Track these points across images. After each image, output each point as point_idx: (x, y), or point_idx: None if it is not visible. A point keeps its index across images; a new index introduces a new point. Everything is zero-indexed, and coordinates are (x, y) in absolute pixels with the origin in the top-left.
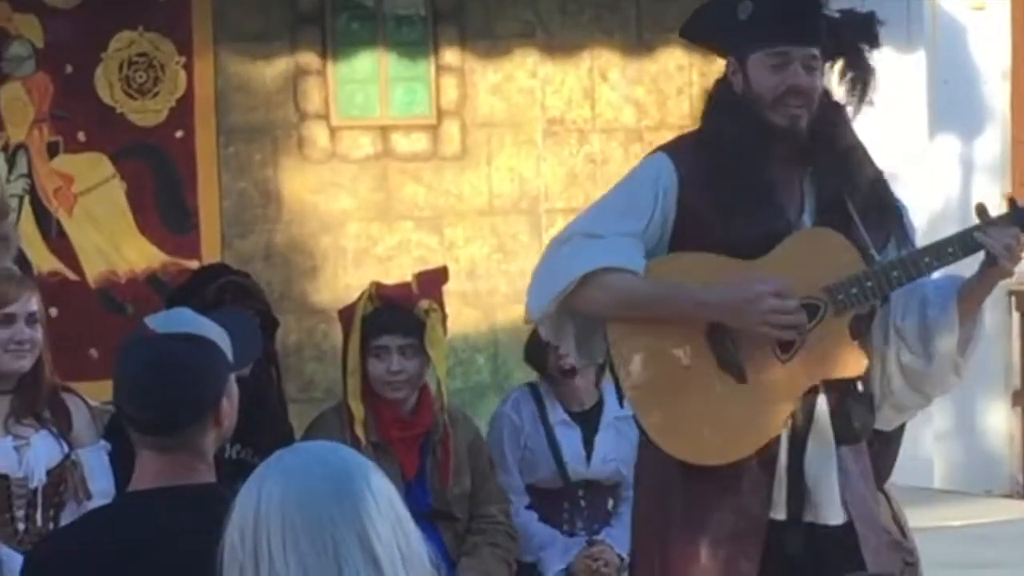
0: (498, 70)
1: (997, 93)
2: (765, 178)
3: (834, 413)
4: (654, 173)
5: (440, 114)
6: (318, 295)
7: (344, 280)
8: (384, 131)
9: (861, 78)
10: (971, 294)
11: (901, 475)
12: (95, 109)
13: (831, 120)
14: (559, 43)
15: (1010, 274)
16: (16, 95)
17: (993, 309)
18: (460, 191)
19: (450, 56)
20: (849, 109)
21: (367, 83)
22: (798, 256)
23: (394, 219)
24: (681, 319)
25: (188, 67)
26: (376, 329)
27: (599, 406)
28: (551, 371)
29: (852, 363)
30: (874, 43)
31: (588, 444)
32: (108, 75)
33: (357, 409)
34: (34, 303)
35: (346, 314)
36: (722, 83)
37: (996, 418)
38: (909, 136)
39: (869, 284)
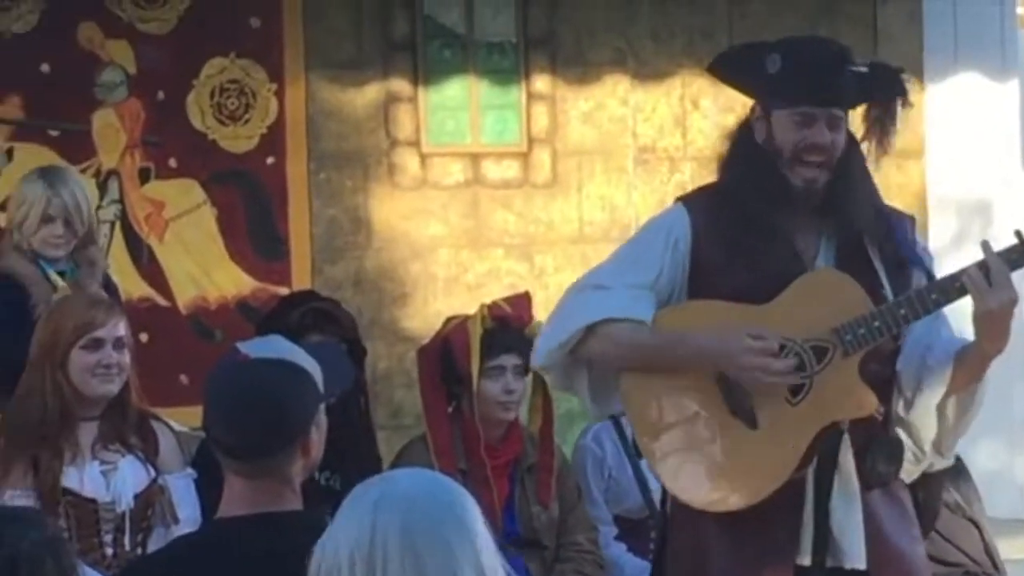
0: (589, 98)
1: None
2: (780, 226)
3: (858, 456)
4: (668, 224)
5: (531, 142)
6: (408, 322)
7: (434, 307)
8: (475, 158)
9: (884, 126)
10: (971, 355)
11: (996, 507)
12: (187, 135)
13: (849, 170)
14: (650, 70)
15: (993, 347)
16: (108, 121)
17: None
18: (550, 219)
19: (541, 83)
20: (864, 147)
21: (458, 110)
22: (805, 298)
23: (484, 246)
24: (685, 368)
25: (280, 94)
26: (495, 348)
27: None
28: None
29: (861, 403)
30: (905, 98)
31: None
32: (200, 101)
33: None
34: (121, 328)
35: (429, 353)
36: (744, 128)
37: None
38: (1002, 163)
39: (876, 324)
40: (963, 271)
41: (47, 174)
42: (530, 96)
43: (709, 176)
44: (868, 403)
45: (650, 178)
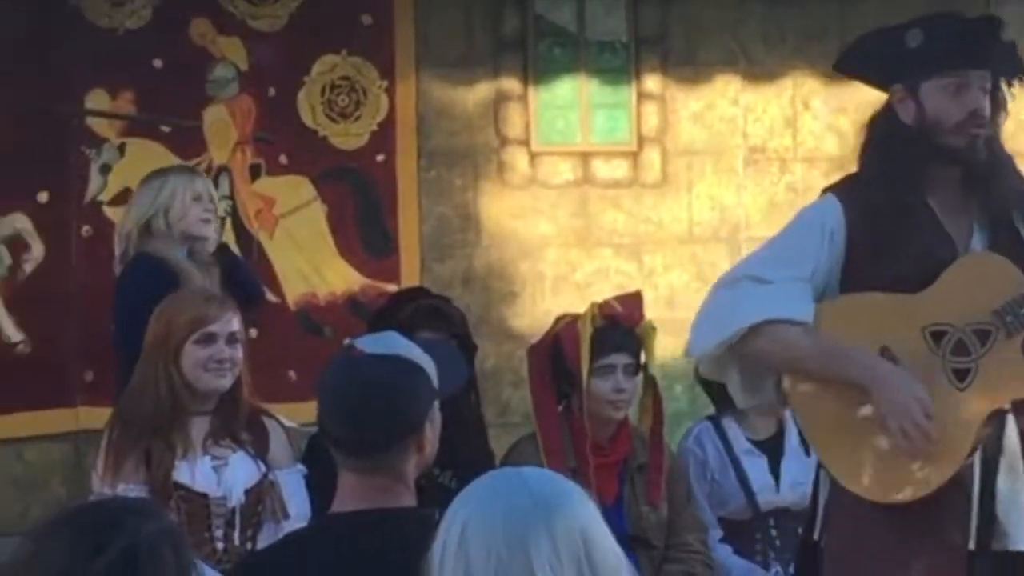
0: (700, 97)
1: None
2: (932, 211)
3: (1023, 436)
4: (821, 215)
5: (641, 141)
6: (516, 320)
7: (542, 306)
8: (584, 157)
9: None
10: None
11: None
12: (297, 132)
13: (995, 147)
14: (761, 71)
15: None
16: (220, 117)
17: None
18: (660, 218)
19: (652, 83)
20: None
21: (568, 109)
22: (961, 282)
23: (593, 245)
24: (844, 382)
25: (390, 91)
26: (605, 347)
27: (780, 434)
28: None
29: None
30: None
31: (775, 472)
32: (311, 98)
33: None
34: (235, 323)
35: (539, 351)
36: (883, 117)
37: None
38: None
39: None
40: None
41: (177, 167)
42: (640, 95)
43: (819, 177)
44: None
45: (760, 178)
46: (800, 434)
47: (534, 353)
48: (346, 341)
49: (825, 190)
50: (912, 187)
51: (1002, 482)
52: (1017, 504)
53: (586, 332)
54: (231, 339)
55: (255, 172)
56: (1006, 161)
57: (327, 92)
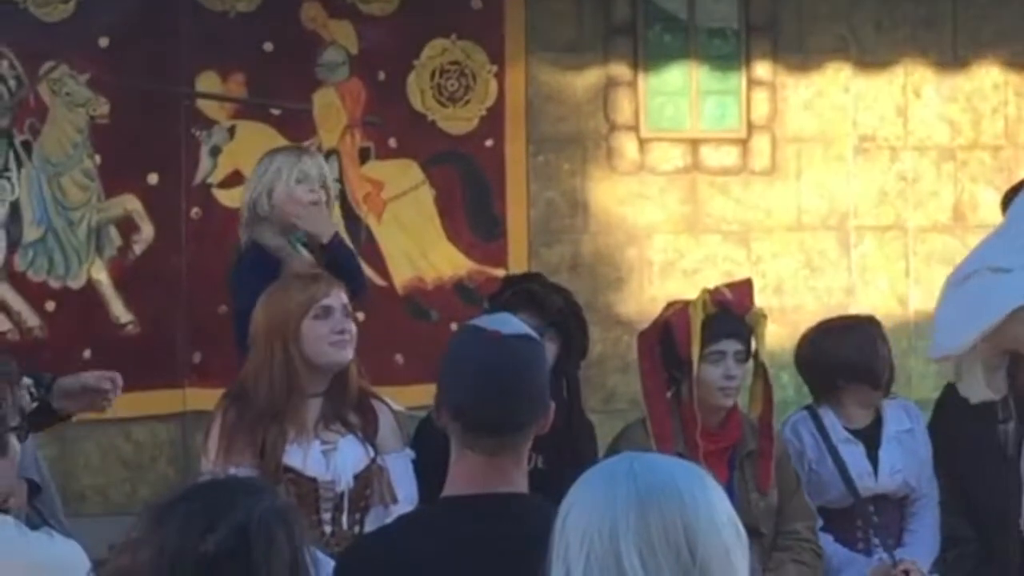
0: (810, 85)
1: None
2: None
3: None
4: None
5: (750, 128)
6: (623, 306)
7: (649, 293)
8: (693, 144)
9: None
10: None
11: None
12: (406, 116)
13: None
14: (872, 59)
15: None
16: (329, 101)
17: None
18: (769, 206)
19: (761, 70)
20: None
21: (677, 95)
22: None
23: (701, 232)
24: None
25: (500, 76)
26: (716, 334)
27: (878, 423)
28: None
29: None
30: None
31: (872, 459)
32: (420, 82)
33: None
34: (344, 297)
35: (649, 337)
36: None
37: None
38: None
39: None
40: None
41: (286, 147)
42: (750, 82)
43: (929, 166)
44: None
45: (870, 167)
46: (897, 423)
47: (644, 339)
48: (463, 323)
49: None
50: None
51: None
52: None
53: (697, 318)
54: (346, 310)
55: (364, 155)
56: None
57: (436, 76)
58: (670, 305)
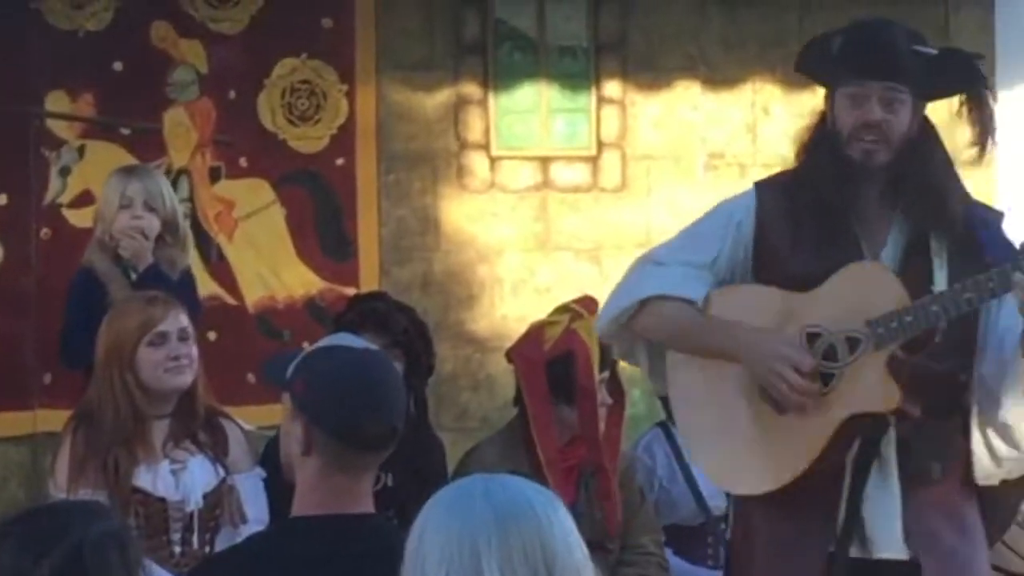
0: (659, 103)
1: None
2: (845, 215)
3: (900, 449)
4: (733, 205)
5: (600, 146)
6: (474, 324)
7: (501, 311)
8: (544, 162)
9: (979, 119)
10: None
11: None
12: (257, 135)
13: (920, 157)
14: (721, 77)
15: None
16: (179, 120)
17: None
18: (619, 223)
19: (611, 88)
20: (976, 150)
21: (528, 114)
22: (845, 289)
23: (552, 250)
24: (719, 355)
25: (350, 95)
26: (603, 362)
27: None
28: None
29: (883, 398)
30: (980, 83)
31: None
32: (271, 101)
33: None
34: (183, 319)
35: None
36: (820, 114)
37: None
38: None
39: (908, 319)
40: (998, 271)
41: (126, 167)
42: (600, 100)
43: None
44: (891, 399)
45: (720, 184)
46: None
47: (526, 360)
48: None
49: (755, 182)
50: (829, 191)
51: (872, 489)
52: (886, 512)
53: (594, 347)
54: (183, 335)
55: (215, 175)
56: (941, 182)
57: (287, 95)
58: (541, 327)
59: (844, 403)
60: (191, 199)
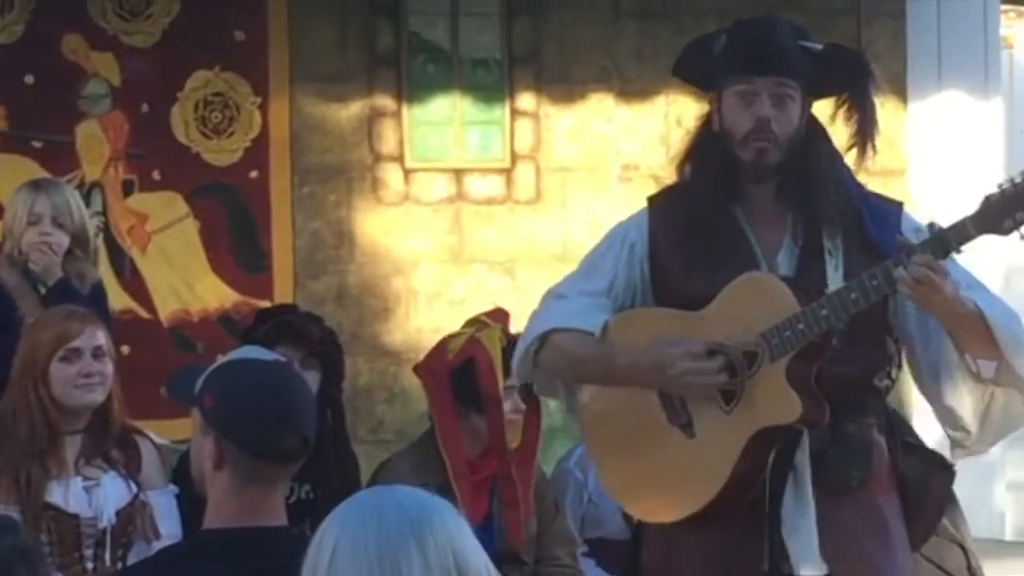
0: (573, 115)
1: None
2: (735, 223)
3: (815, 459)
4: (626, 228)
5: (515, 158)
6: (389, 337)
7: (416, 323)
8: (458, 174)
9: (860, 120)
10: (945, 322)
11: (973, 527)
12: (170, 148)
13: (809, 155)
14: (634, 88)
15: (924, 302)
16: (92, 133)
17: None
18: (534, 235)
19: (525, 100)
20: (856, 150)
21: (442, 126)
22: (738, 303)
23: (467, 262)
24: (622, 383)
25: (264, 107)
26: (508, 369)
27: None
28: None
29: (785, 409)
30: (868, 80)
31: None
32: (184, 114)
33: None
34: (100, 337)
35: (434, 367)
36: (700, 125)
37: None
38: (984, 185)
39: (800, 327)
40: (881, 268)
41: (34, 181)
42: (514, 112)
43: None
44: (793, 410)
45: (634, 196)
46: None
47: (431, 373)
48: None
49: (649, 199)
50: (720, 199)
51: (787, 504)
52: (799, 527)
53: (498, 353)
54: (97, 353)
55: (128, 188)
56: (827, 176)
57: (200, 108)
58: (450, 338)
59: (749, 419)
60: (104, 212)
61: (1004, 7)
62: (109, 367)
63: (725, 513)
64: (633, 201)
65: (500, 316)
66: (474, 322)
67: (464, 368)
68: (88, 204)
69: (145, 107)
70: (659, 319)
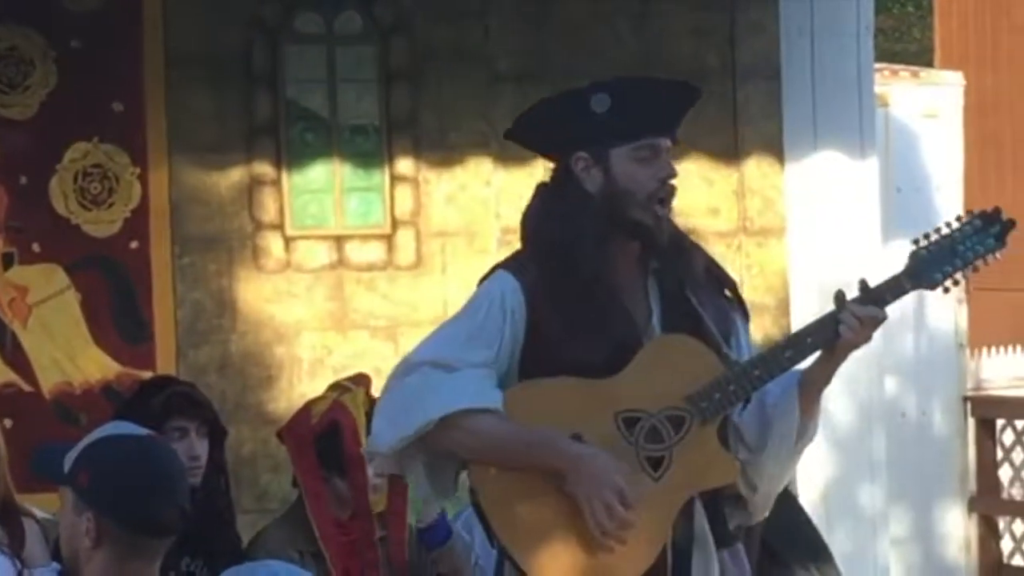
0: (452, 179)
1: (950, 200)
2: (611, 285)
3: (711, 519)
4: (499, 293)
5: (395, 223)
6: (273, 405)
7: (299, 390)
8: (339, 241)
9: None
10: (814, 379)
11: None
12: (49, 220)
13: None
14: (513, 152)
15: (855, 345)
16: None
17: (947, 413)
18: (415, 300)
19: (404, 166)
20: None
21: (322, 193)
22: (655, 367)
23: (349, 328)
24: (541, 470)
25: (143, 178)
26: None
27: None
28: None
29: (724, 470)
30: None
31: None
32: (63, 186)
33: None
34: None
35: (299, 431)
36: (562, 187)
37: (952, 524)
38: (862, 243)
39: (731, 388)
40: (815, 324)
41: None
42: (393, 178)
43: None
44: (732, 470)
45: None
46: None
47: (295, 436)
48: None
49: (496, 267)
50: (594, 263)
51: (696, 570)
52: None
53: (361, 416)
54: None
55: (8, 261)
56: (677, 236)
57: (79, 179)
58: (313, 403)
59: (683, 484)
60: None
61: (878, 65)
62: None
63: None
64: None
65: (362, 380)
66: (336, 386)
67: (328, 432)
68: None
69: (23, 179)
70: (561, 390)
